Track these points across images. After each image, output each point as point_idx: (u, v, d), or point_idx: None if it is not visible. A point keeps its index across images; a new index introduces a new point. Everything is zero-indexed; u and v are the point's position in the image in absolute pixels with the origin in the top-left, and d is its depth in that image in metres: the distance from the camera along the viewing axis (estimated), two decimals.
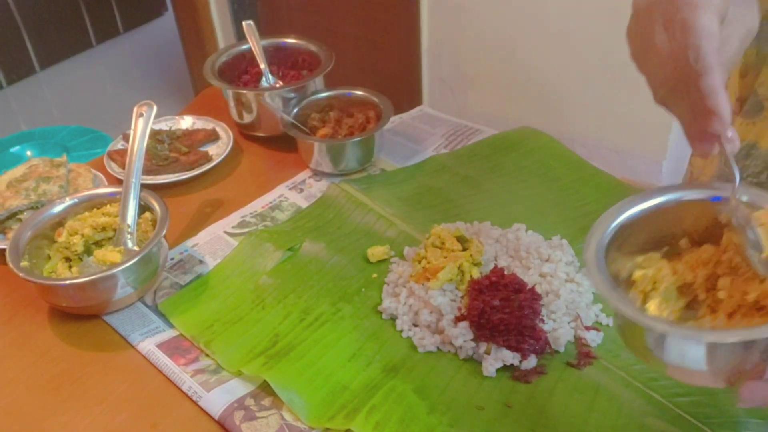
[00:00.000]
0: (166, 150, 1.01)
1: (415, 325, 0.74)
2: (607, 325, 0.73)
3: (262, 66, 1.07)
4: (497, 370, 0.68)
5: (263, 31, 1.09)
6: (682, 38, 0.48)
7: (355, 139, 0.96)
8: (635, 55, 0.53)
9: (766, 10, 0.69)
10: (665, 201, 0.54)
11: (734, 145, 0.50)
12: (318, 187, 0.96)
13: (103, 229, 0.81)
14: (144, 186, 0.82)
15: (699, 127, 0.49)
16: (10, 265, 0.73)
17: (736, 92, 0.81)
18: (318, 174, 0.99)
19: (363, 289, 0.79)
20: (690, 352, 0.47)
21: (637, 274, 0.54)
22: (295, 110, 1.01)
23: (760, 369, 0.46)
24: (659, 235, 0.55)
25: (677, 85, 0.50)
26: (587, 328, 0.72)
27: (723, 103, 0.48)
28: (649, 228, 0.55)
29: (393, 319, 0.75)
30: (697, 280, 0.53)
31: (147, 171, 0.94)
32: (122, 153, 0.99)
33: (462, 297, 0.74)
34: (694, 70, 0.48)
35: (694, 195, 0.54)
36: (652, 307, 0.52)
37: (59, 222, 0.81)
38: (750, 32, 0.53)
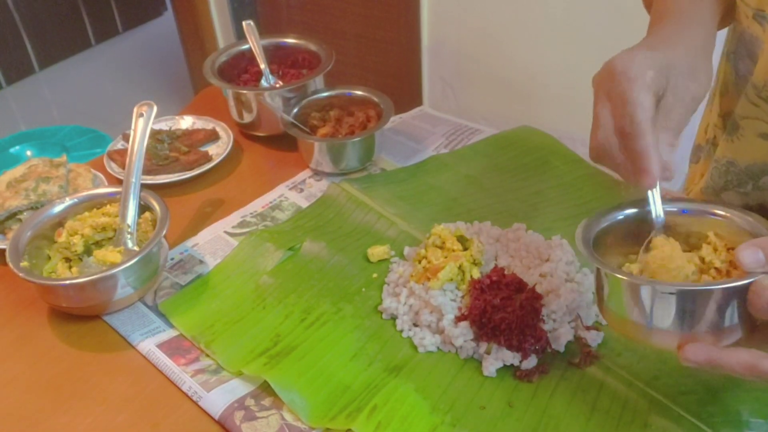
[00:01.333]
0: (166, 150, 1.01)
1: (416, 325, 0.73)
2: (607, 325, 0.73)
3: (262, 65, 1.07)
4: (499, 370, 0.68)
5: (263, 31, 1.09)
6: (621, 107, 0.57)
7: (356, 139, 0.95)
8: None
9: (740, 31, 0.70)
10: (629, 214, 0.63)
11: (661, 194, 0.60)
12: (318, 187, 0.96)
13: (103, 229, 0.81)
14: (144, 186, 0.82)
15: (635, 180, 0.58)
16: (10, 265, 0.73)
17: (718, 110, 0.84)
18: (318, 173, 0.99)
19: (363, 289, 0.79)
20: (657, 306, 0.53)
21: (626, 266, 0.61)
22: (295, 110, 1.00)
23: (713, 335, 0.52)
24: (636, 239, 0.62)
25: (607, 149, 0.59)
26: (587, 328, 0.72)
27: (653, 163, 0.56)
28: (626, 233, 0.63)
29: (393, 319, 0.75)
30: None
31: (147, 171, 0.94)
32: (122, 153, 0.99)
33: (462, 297, 0.74)
34: (629, 134, 0.57)
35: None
36: None
37: (59, 222, 0.81)
38: (695, 100, 0.61)
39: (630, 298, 0.55)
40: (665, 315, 0.53)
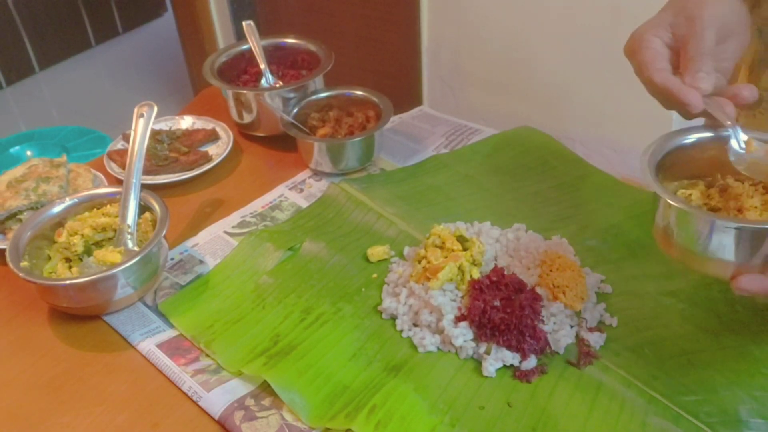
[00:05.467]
0: (166, 150, 1.01)
1: (415, 325, 0.73)
2: (610, 326, 0.73)
3: (262, 66, 1.07)
4: (498, 370, 0.68)
5: (263, 31, 1.09)
6: (688, 27, 0.63)
7: (355, 139, 0.96)
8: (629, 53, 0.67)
9: None
10: (702, 137, 0.65)
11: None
12: (318, 187, 0.96)
13: (103, 229, 0.81)
14: (144, 186, 0.82)
15: (691, 98, 0.61)
16: (10, 265, 0.73)
17: None
18: (318, 174, 0.99)
19: (363, 289, 0.79)
20: (715, 239, 0.57)
21: (680, 192, 0.65)
22: (295, 110, 1.01)
23: (765, 266, 0.57)
24: (702, 169, 0.66)
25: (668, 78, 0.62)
26: (591, 330, 0.72)
27: (705, 66, 0.61)
28: (694, 159, 0.66)
29: (393, 319, 0.75)
30: (725, 207, 0.64)
31: (147, 171, 0.94)
32: (122, 153, 0.99)
33: (462, 297, 0.74)
34: (690, 42, 0.62)
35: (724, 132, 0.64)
36: None
37: (59, 222, 0.81)
38: (741, 49, 0.66)
39: (692, 229, 0.58)
40: (724, 247, 0.57)
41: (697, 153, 0.66)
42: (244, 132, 1.08)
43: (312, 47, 1.10)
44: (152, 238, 0.76)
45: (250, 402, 0.66)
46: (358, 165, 0.98)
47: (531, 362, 0.68)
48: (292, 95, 1.02)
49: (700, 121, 0.67)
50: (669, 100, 0.62)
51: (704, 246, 0.58)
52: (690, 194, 0.65)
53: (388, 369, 0.69)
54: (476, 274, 0.75)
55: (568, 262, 0.75)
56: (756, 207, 0.62)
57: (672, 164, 0.65)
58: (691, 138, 0.66)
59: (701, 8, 0.63)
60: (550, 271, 0.74)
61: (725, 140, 0.63)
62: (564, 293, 0.72)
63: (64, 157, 0.94)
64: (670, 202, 0.59)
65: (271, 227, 0.89)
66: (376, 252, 0.82)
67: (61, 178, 0.90)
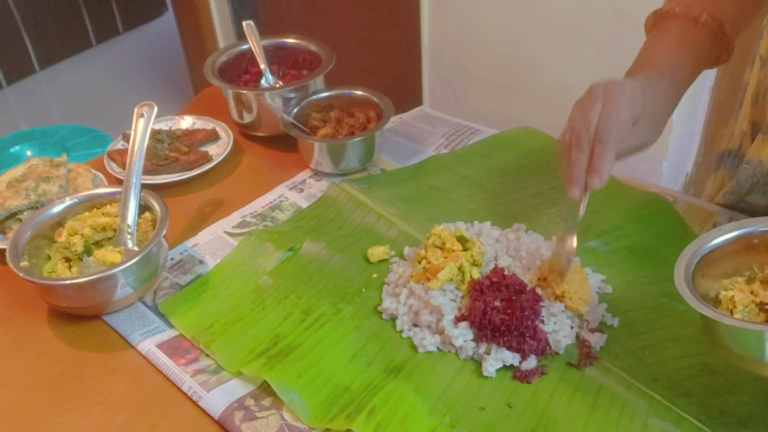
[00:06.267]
0: (166, 150, 1.01)
1: (416, 326, 0.73)
2: (612, 326, 0.73)
3: (263, 66, 1.07)
4: (498, 371, 0.68)
5: (263, 31, 1.09)
6: (607, 112, 0.68)
7: (356, 139, 0.95)
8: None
9: None
10: (741, 233, 0.65)
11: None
12: (318, 187, 0.96)
13: (103, 229, 0.81)
14: (144, 186, 0.82)
15: (579, 179, 0.70)
16: (10, 265, 0.73)
17: (749, 117, 0.86)
18: (318, 174, 0.99)
19: (363, 290, 0.79)
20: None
21: (722, 294, 0.64)
22: (296, 110, 1.00)
23: None
24: (739, 264, 0.66)
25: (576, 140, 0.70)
26: (592, 331, 0.71)
27: (606, 170, 0.68)
28: (731, 257, 0.66)
29: (393, 319, 0.75)
30: None
31: (147, 171, 0.94)
32: (122, 153, 0.99)
33: (462, 297, 0.73)
34: (601, 139, 0.67)
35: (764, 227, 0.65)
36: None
37: (59, 222, 0.81)
38: (644, 145, 0.73)
39: (747, 343, 0.58)
40: None
41: (730, 249, 0.66)
42: (244, 132, 1.08)
43: (313, 47, 1.10)
44: (152, 238, 0.76)
45: (249, 402, 0.66)
46: (358, 165, 0.98)
47: (531, 363, 0.68)
48: (292, 95, 1.02)
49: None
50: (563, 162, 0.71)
51: (758, 353, 0.57)
52: (732, 296, 0.63)
53: (388, 370, 0.69)
54: (476, 275, 0.75)
55: (572, 265, 0.74)
56: None
57: (706, 265, 0.65)
58: (719, 239, 0.66)
59: (621, 92, 0.68)
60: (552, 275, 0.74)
61: (755, 235, 0.65)
62: (571, 298, 0.71)
63: (64, 157, 0.94)
64: (720, 321, 0.57)
65: (271, 227, 0.89)
66: (377, 252, 0.82)
67: (61, 178, 0.90)
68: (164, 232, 0.77)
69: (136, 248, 0.79)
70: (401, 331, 0.73)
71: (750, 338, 0.57)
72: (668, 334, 0.71)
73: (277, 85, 1.07)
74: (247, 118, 1.04)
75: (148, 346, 0.73)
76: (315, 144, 0.96)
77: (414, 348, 0.72)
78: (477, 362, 0.70)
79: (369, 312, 0.76)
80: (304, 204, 0.93)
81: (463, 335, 0.70)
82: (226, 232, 0.89)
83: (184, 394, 0.68)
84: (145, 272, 0.76)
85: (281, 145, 1.04)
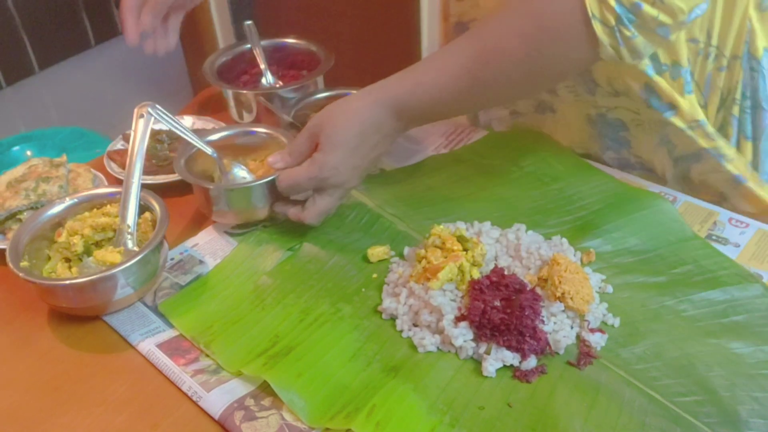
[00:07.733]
0: (166, 150, 1.01)
1: (415, 325, 0.73)
2: (612, 326, 0.73)
3: (262, 66, 1.07)
4: (497, 370, 0.68)
5: (262, 32, 1.09)
6: (321, 163, 0.79)
7: None
8: None
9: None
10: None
11: None
12: None
13: (103, 229, 0.81)
14: (144, 186, 0.82)
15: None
16: (10, 265, 0.73)
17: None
18: None
19: (363, 289, 0.79)
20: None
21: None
22: (295, 110, 1.01)
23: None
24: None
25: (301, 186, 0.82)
26: (592, 330, 0.71)
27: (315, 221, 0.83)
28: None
29: (393, 319, 0.75)
30: None
31: (147, 171, 0.94)
32: (122, 153, 0.99)
33: (462, 297, 0.74)
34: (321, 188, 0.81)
35: None
36: None
37: (59, 222, 0.81)
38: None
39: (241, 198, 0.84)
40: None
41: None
42: None
43: (312, 48, 1.10)
44: (152, 238, 0.76)
45: (249, 402, 0.66)
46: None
47: (531, 362, 0.68)
48: (291, 96, 1.02)
49: None
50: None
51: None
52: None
53: (387, 369, 0.69)
54: (476, 275, 0.75)
55: (572, 265, 0.74)
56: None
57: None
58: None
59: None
60: (558, 282, 0.73)
61: None
62: (572, 299, 0.71)
63: (64, 157, 0.94)
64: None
65: (271, 227, 0.89)
66: (376, 252, 0.82)
67: (61, 178, 0.90)
68: (164, 232, 0.77)
69: (136, 248, 0.79)
70: (401, 331, 0.73)
71: (245, 194, 0.83)
72: (668, 334, 0.71)
73: (277, 86, 1.07)
74: (247, 118, 1.04)
75: (148, 346, 0.73)
76: None
77: (414, 348, 0.72)
78: (476, 362, 0.70)
79: (369, 312, 0.76)
80: None
81: (463, 335, 0.70)
82: (226, 233, 0.89)
83: (184, 394, 0.68)
84: (145, 272, 0.76)
85: None
